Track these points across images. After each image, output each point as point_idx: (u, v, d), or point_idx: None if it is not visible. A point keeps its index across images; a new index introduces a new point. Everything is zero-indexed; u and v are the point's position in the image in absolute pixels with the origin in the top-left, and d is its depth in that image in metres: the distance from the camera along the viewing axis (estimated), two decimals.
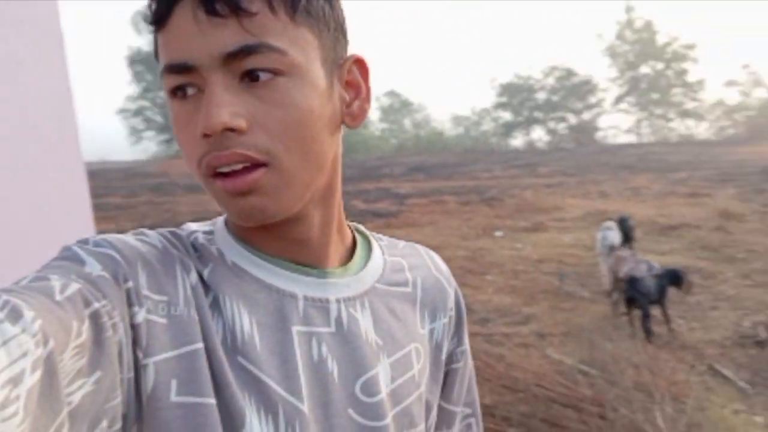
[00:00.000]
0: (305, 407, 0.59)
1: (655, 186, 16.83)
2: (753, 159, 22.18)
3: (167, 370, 0.54)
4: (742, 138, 36.64)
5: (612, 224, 7.38)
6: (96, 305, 0.50)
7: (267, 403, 0.57)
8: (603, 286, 6.77)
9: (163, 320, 0.55)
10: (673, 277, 5.61)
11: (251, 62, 0.54)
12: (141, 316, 0.54)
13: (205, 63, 0.54)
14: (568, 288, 7.27)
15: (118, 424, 0.51)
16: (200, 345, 0.56)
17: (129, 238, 0.60)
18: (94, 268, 0.53)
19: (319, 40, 0.59)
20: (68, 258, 0.55)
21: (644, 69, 46.42)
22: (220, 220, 0.68)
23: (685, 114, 46.61)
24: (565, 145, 44.27)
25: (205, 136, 0.54)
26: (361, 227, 0.75)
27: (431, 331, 0.74)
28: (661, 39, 45.71)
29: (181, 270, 0.59)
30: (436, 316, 0.75)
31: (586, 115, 48.29)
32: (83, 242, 0.57)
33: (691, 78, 45.51)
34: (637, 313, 5.58)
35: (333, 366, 0.62)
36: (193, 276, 0.60)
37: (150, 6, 0.57)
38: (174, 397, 0.54)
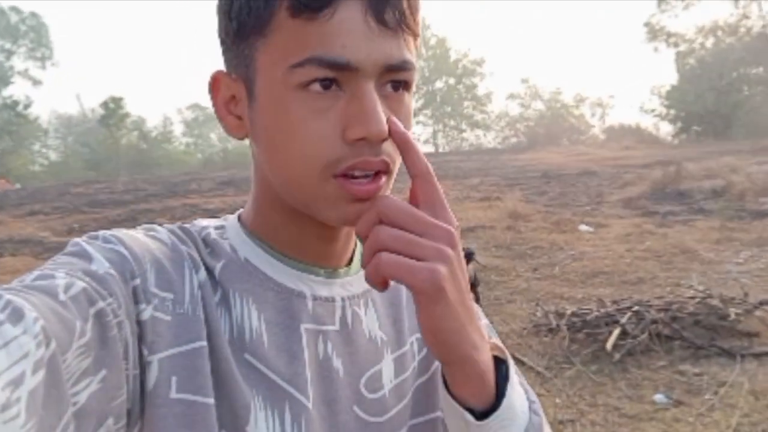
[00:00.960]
0: (311, 404, 0.60)
1: (453, 192, 18.05)
2: (533, 165, 24.64)
3: (169, 367, 0.54)
4: (523, 146, 40.65)
5: None
6: (101, 304, 0.50)
7: (273, 400, 0.58)
8: None
9: (167, 317, 0.56)
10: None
11: (403, 76, 0.58)
12: (148, 312, 0.54)
13: (369, 68, 0.55)
14: None
15: (123, 420, 0.51)
16: (203, 343, 0.56)
17: (138, 234, 0.60)
18: (101, 265, 0.53)
19: None
20: (76, 254, 0.54)
21: (439, 84, 49.77)
22: (233, 217, 0.68)
23: (475, 125, 50.72)
24: None
25: (360, 140, 0.55)
26: None
27: None
28: (453, 55, 49.36)
29: (189, 267, 0.59)
30: None
31: None
32: (93, 237, 0.57)
33: (479, 92, 49.76)
34: None
35: (338, 363, 0.63)
36: (202, 273, 0.60)
37: None
38: (173, 394, 0.54)
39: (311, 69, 0.55)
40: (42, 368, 0.42)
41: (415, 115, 50.54)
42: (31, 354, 0.42)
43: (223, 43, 0.61)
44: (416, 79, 0.60)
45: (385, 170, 0.58)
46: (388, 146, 0.57)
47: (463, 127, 50.83)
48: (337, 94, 0.55)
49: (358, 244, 0.72)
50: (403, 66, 0.57)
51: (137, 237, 0.59)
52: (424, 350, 0.70)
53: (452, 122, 50.87)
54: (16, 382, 0.40)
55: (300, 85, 0.55)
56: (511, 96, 49.09)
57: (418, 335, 0.70)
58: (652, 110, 37.70)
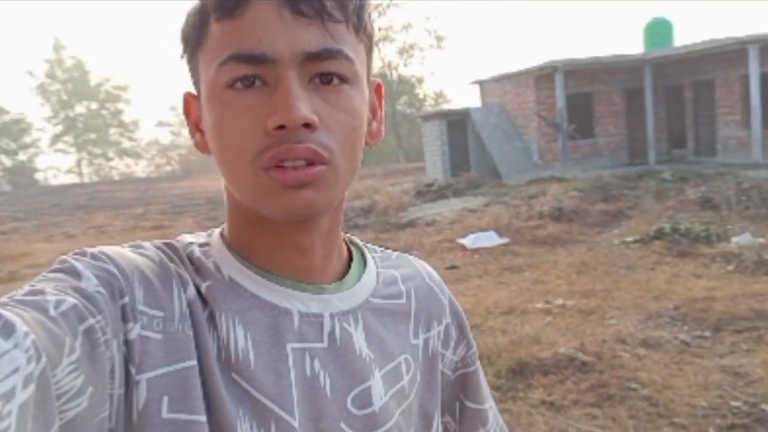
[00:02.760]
0: (297, 423, 0.59)
1: (117, 222, 17.34)
2: (195, 192, 24.89)
3: (159, 387, 0.54)
4: (179, 174, 40.28)
5: None
6: (90, 321, 0.49)
7: (259, 420, 0.58)
8: None
9: (157, 336, 0.55)
10: None
11: (328, 65, 0.57)
12: (135, 332, 0.54)
13: (286, 58, 0.56)
14: None
15: None
16: (194, 362, 0.56)
17: (127, 251, 0.60)
18: (90, 282, 0.53)
19: (367, 59, 0.63)
20: (64, 270, 0.54)
21: (79, 108, 46.18)
22: (216, 232, 0.68)
23: (124, 153, 48.36)
24: (3, 189, 40.24)
25: (280, 128, 0.55)
26: (356, 239, 0.76)
27: (426, 341, 0.74)
28: (93, 79, 46.30)
29: (178, 284, 0.59)
30: (431, 325, 0.75)
31: (22, 156, 45.02)
32: (81, 254, 0.57)
33: (126, 118, 47.61)
34: None
35: (325, 381, 0.62)
36: (191, 290, 0.60)
37: None
38: (165, 414, 0.54)
39: (233, 66, 0.56)
40: (32, 383, 0.42)
41: (54, 142, 45.92)
42: (22, 368, 0.42)
43: (187, 66, 0.63)
44: (359, 70, 0.60)
45: (318, 160, 0.57)
46: (322, 136, 0.57)
47: (111, 155, 48.04)
48: (261, 90, 0.56)
49: (355, 260, 0.72)
50: (326, 53, 0.56)
51: (126, 254, 0.59)
52: (411, 372, 0.71)
53: (98, 150, 47.67)
54: (7, 397, 0.40)
55: (227, 85, 0.57)
56: (161, 123, 48.14)
57: (407, 356, 0.71)
58: None
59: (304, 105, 0.55)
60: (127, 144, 48.03)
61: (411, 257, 0.81)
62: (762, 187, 11.37)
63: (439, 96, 45.41)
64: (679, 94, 18.87)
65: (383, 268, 0.75)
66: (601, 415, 4.14)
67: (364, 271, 0.72)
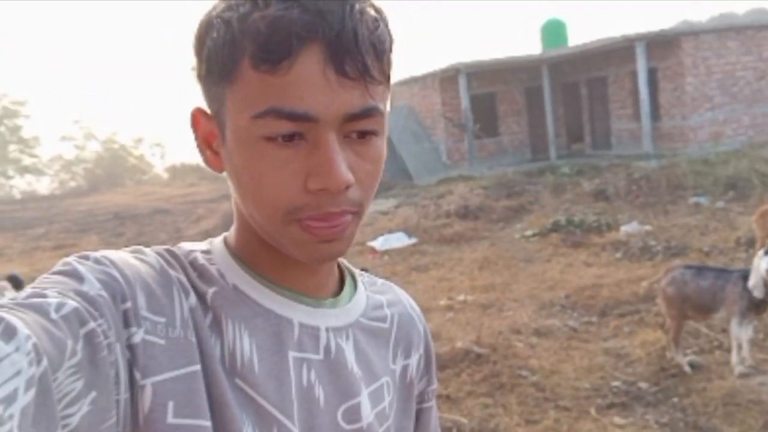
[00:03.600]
0: (297, 429, 0.61)
1: (16, 244, 16.48)
2: (102, 207, 23.91)
3: (164, 392, 0.54)
4: (85, 189, 38.60)
5: (3, 284, 7.28)
6: (92, 324, 0.50)
7: (262, 425, 0.59)
8: None
9: (161, 341, 0.56)
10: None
11: (365, 124, 0.58)
12: (139, 336, 0.54)
13: (328, 119, 0.56)
14: None
15: None
16: (198, 367, 0.57)
17: (128, 256, 0.60)
18: (92, 286, 0.53)
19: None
20: (67, 273, 0.54)
21: None
22: (218, 239, 0.68)
23: (25, 170, 45.96)
24: None
25: (321, 191, 0.56)
26: (345, 262, 0.76)
27: (404, 368, 0.76)
28: None
29: (179, 291, 0.59)
30: (410, 353, 0.77)
31: None
32: (84, 258, 0.57)
33: (26, 134, 45.19)
34: None
35: (320, 392, 0.64)
36: (192, 297, 0.60)
37: (260, 38, 0.54)
38: (170, 419, 0.54)
39: (271, 121, 0.56)
40: (33, 386, 0.42)
41: None
42: (24, 372, 0.42)
43: (197, 79, 0.62)
44: (385, 124, 0.61)
45: (351, 213, 0.59)
46: (356, 192, 0.59)
47: (11, 173, 45.51)
48: (299, 144, 0.57)
49: (347, 281, 0.74)
50: (366, 113, 0.57)
51: (128, 259, 0.59)
52: (390, 396, 0.72)
53: None
54: (9, 400, 0.40)
55: (264, 137, 0.57)
56: (64, 138, 45.96)
57: (388, 379, 0.72)
58: None
59: (344, 167, 0.56)
60: (27, 161, 45.60)
61: (394, 285, 0.82)
62: (650, 177, 12.12)
63: None
64: (575, 91, 19.80)
65: (371, 292, 0.76)
66: (493, 403, 4.34)
67: (355, 293, 0.73)
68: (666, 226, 9.09)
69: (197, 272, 0.63)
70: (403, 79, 21.09)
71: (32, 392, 0.42)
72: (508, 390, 4.48)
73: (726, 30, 16.51)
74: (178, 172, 38.78)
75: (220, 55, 0.57)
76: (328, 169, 0.56)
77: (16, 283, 7.54)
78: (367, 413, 0.67)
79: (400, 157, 19.01)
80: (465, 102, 17.68)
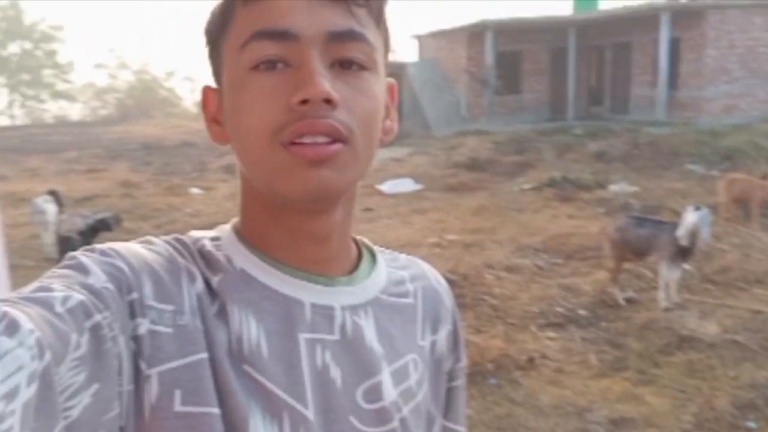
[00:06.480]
0: (310, 413, 0.60)
1: (50, 166, 17.48)
2: (130, 137, 24.81)
3: (171, 380, 0.55)
4: (115, 118, 39.47)
5: (46, 197, 8.22)
6: (98, 317, 0.50)
7: (272, 410, 0.58)
8: (45, 255, 7.63)
9: (168, 330, 0.56)
10: (103, 223, 7.23)
11: (350, 49, 0.58)
12: (144, 327, 0.55)
13: (309, 36, 0.56)
14: (13, 262, 7.78)
15: None
16: (205, 355, 0.57)
17: (135, 246, 0.61)
18: (98, 278, 0.53)
19: (384, 53, 0.64)
20: (73, 267, 0.55)
21: (13, 48, 44.52)
22: (227, 226, 0.68)
23: (58, 95, 47.03)
24: None
25: (303, 102, 0.55)
26: (365, 240, 0.76)
27: (433, 344, 0.74)
28: (27, 18, 44.57)
29: (187, 279, 0.60)
30: (438, 327, 0.75)
31: None
32: (89, 250, 0.57)
33: (61, 59, 46.12)
34: None
35: (336, 373, 0.63)
36: (199, 284, 0.60)
37: None
38: (178, 407, 0.54)
39: (255, 45, 0.56)
40: (36, 381, 0.43)
41: None
42: (26, 367, 0.42)
43: (208, 60, 0.64)
44: (378, 59, 0.60)
45: (338, 137, 0.57)
46: (343, 114, 0.57)
47: (44, 97, 46.71)
48: (284, 71, 0.57)
49: (365, 257, 0.72)
50: (350, 35, 0.57)
51: (134, 249, 0.59)
52: (418, 373, 0.70)
53: (31, 92, 46.27)
54: (11, 395, 0.41)
55: (250, 67, 0.57)
56: (98, 65, 46.88)
57: (414, 356, 0.70)
58: None
59: (327, 81, 0.56)
60: (61, 86, 46.66)
61: (418, 259, 0.81)
62: (655, 143, 12.64)
63: None
64: (600, 55, 20.07)
65: (393, 269, 0.74)
66: None
67: (374, 269, 0.72)
68: (652, 188, 9.75)
69: (205, 260, 0.63)
70: (431, 32, 21.41)
71: (34, 387, 0.43)
72: (468, 308, 5.28)
73: (753, 6, 16.63)
74: None
75: (216, 14, 0.61)
76: (308, 80, 0.55)
77: (57, 198, 8.49)
78: (390, 392, 0.66)
79: (420, 107, 19.55)
80: (490, 58, 18.12)
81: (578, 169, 11.38)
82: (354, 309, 0.66)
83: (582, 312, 5.24)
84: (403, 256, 0.79)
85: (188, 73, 52.54)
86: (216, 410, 0.56)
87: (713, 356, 4.36)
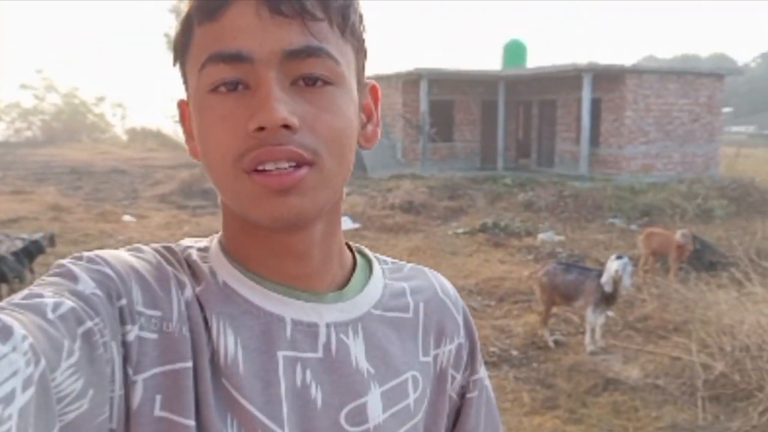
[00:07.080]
0: None
1: None
2: (58, 161, 24.03)
3: (153, 386, 0.54)
4: (40, 141, 38.17)
5: None
6: (89, 323, 0.50)
7: (247, 428, 0.57)
8: None
9: (153, 336, 0.56)
10: (35, 246, 7.25)
11: (309, 65, 0.56)
12: (134, 333, 0.54)
13: (264, 57, 0.55)
14: None
15: None
16: (189, 364, 0.56)
17: (123, 253, 0.60)
18: (87, 285, 0.53)
19: (356, 61, 0.62)
20: (61, 275, 0.54)
21: None
22: (216, 237, 0.67)
23: None
24: None
25: (260, 129, 0.54)
26: (365, 249, 0.75)
27: (435, 357, 0.72)
28: None
29: (176, 286, 0.59)
30: (442, 341, 0.73)
31: None
32: (77, 258, 0.57)
33: None
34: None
35: (317, 393, 0.61)
36: (188, 292, 0.60)
37: None
38: (157, 412, 0.54)
39: (211, 68, 0.56)
40: (31, 386, 0.42)
41: None
42: (21, 371, 0.42)
43: (180, 74, 0.63)
44: (345, 71, 0.59)
45: (302, 161, 0.56)
46: (305, 137, 0.55)
47: None
48: (243, 93, 0.56)
49: (358, 270, 0.70)
50: (307, 51, 0.55)
51: (122, 257, 0.59)
52: (419, 391, 0.68)
53: None
54: (7, 400, 0.41)
55: (209, 89, 0.56)
56: (24, 86, 45.17)
57: (415, 373, 0.68)
58: (173, 116, 40.11)
59: (284, 106, 0.54)
60: None
61: (426, 269, 0.78)
62: (579, 196, 13.40)
63: None
64: (528, 110, 21.12)
65: (392, 280, 0.72)
66: None
67: (368, 282, 0.69)
68: (577, 239, 10.35)
69: (191, 269, 0.63)
70: (370, 76, 21.87)
71: (30, 392, 0.42)
72: None
73: (668, 72, 18.03)
74: (137, 135, 38.58)
75: (179, 32, 0.60)
76: (263, 105, 0.54)
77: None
78: (376, 414, 0.64)
79: (358, 150, 19.85)
80: (424, 106, 18.73)
81: (508, 217, 11.92)
82: (341, 326, 0.64)
83: (514, 353, 5.55)
84: (408, 265, 0.78)
85: (118, 100, 51.38)
86: (191, 422, 0.55)
87: (637, 398, 4.71)
